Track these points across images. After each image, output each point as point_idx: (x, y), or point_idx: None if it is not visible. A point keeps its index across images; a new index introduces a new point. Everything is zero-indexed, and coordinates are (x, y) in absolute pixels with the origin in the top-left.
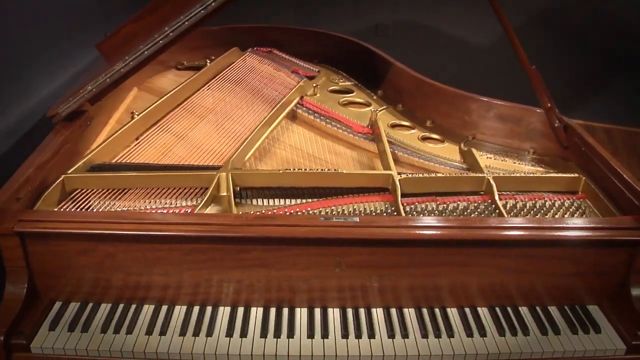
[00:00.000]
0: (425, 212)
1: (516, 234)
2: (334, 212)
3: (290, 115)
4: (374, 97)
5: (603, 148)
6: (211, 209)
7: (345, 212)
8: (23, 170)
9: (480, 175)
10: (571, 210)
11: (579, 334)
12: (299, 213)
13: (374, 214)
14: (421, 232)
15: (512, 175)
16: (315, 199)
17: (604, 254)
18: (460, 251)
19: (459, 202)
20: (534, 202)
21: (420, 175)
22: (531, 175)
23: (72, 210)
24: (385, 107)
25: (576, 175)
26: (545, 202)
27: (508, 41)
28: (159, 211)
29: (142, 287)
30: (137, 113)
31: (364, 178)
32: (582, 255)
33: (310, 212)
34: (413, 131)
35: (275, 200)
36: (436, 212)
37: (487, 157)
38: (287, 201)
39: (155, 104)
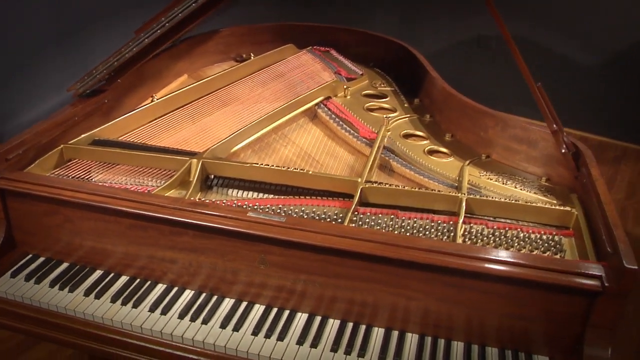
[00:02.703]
0: (372, 224)
1: (440, 259)
2: (281, 210)
3: (312, 114)
4: (405, 105)
5: (603, 182)
6: (175, 193)
7: (297, 212)
8: (21, 134)
9: (453, 194)
10: (544, 246)
11: None
12: (259, 207)
13: (316, 217)
14: (340, 241)
15: (492, 199)
16: (282, 197)
17: (553, 300)
18: (386, 269)
19: (416, 220)
20: (504, 230)
21: (387, 186)
22: (514, 202)
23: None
24: (409, 115)
25: (567, 209)
26: (519, 233)
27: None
28: (132, 187)
29: (95, 252)
30: (156, 97)
31: (329, 182)
32: (527, 297)
33: (272, 207)
34: (425, 142)
35: (248, 192)
36: (384, 226)
37: (488, 178)
38: (256, 195)
39: (181, 90)
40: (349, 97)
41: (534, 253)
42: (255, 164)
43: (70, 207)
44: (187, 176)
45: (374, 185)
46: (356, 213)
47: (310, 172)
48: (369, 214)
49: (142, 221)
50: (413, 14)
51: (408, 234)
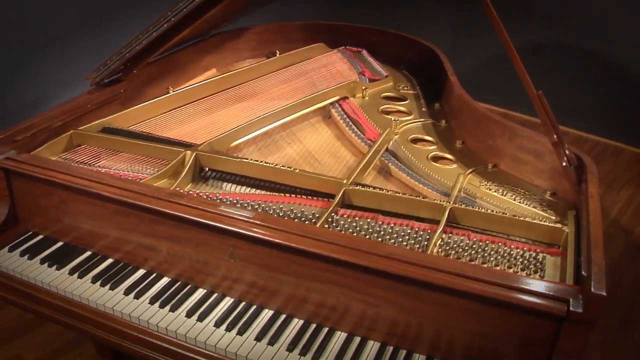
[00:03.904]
0: (346, 226)
1: (397, 267)
2: (259, 206)
3: (326, 114)
4: (423, 109)
5: (597, 199)
6: (166, 182)
7: (275, 209)
8: (31, 118)
9: (437, 202)
10: (522, 264)
11: None
12: (239, 201)
13: (293, 215)
14: (301, 240)
15: (478, 210)
16: (269, 193)
17: (518, 321)
18: (348, 273)
19: (395, 225)
20: (484, 244)
21: (371, 189)
22: (500, 214)
23: (67, 161)
24: (422, 120)
25: (558, 226)
26: (500, 247)
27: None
28: (128, 175)
29: (86, 234)
30: (172, 89)
31: (314, 181)
32: (490, 315)
33: (252, 202)
34: (432, 148)
35: (240, 187)
36: (358, 229)
37: (488, 188)
38: (248, 190)
39: (199, 84)
40: (367, 98)
41: (510, 270)
42: (245, 159)
43: (63, 190)
44: (180, 167)
45: (358, 187)
46: (334, 214)
47: (297, 171)
48: (345, 216)
49: (124, 207)
50: (467, 22)
51: (380, 239)
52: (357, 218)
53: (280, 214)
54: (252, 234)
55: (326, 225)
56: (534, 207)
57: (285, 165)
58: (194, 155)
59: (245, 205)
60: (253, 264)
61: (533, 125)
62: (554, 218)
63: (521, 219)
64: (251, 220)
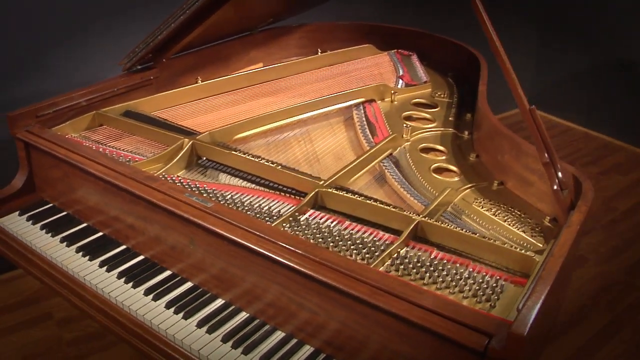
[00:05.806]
0: (304, 226)
1: (328, 274)
2: (231, 198)
3: (348, 116)
4: (450, 119)
5: (574, 230)
6: (161, 167)
7: (244, 202)
8: (56, 96)
9: (406, 214)
10: (473, 290)
11: None
12: (214, 191)
13: (259, 210)
14: (244, 235)
15: (447, 227)
16: (254, 186)
17: (443, 350)
18: (287, 274)
19: (357, 232)
20: (441, 262)
21: (343, 193)
22: (468, 234)
23: (84, 138)
24: (442, 129)
25: (529, 254)
26: (458, 268)
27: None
28: (128, 155)
29: (84, 207)
30: (200, 79)
31: (293, 179)
32: (418, 338)
33: (224, 193)
34: (440, 158)
35: (238, 180)
36: (315, 231)
37: (481, 206)
38: (241, 182)
39: (227, 77)
40: (395, 102)
41: (460, 295)
42: (235, 151)
43: (65, 164)
44: (177, 153)
45: (331, 190)
46: (297, 214)
47: (279, 168)
48: (311, 217)
49: (108, 185)
50: (553, 33)
51: (333, 243)
52: (320, 220)
53: (246, 208)
54: (203, 223)
55: (285, 224)
56: (523, 231)
57: (276, 163)
58: (190, 143)
59: (218, 196)
60: (209, 253)
61: (617, 148)
62: (541, 246)
63: (490, 241)
64: (207, 211)
